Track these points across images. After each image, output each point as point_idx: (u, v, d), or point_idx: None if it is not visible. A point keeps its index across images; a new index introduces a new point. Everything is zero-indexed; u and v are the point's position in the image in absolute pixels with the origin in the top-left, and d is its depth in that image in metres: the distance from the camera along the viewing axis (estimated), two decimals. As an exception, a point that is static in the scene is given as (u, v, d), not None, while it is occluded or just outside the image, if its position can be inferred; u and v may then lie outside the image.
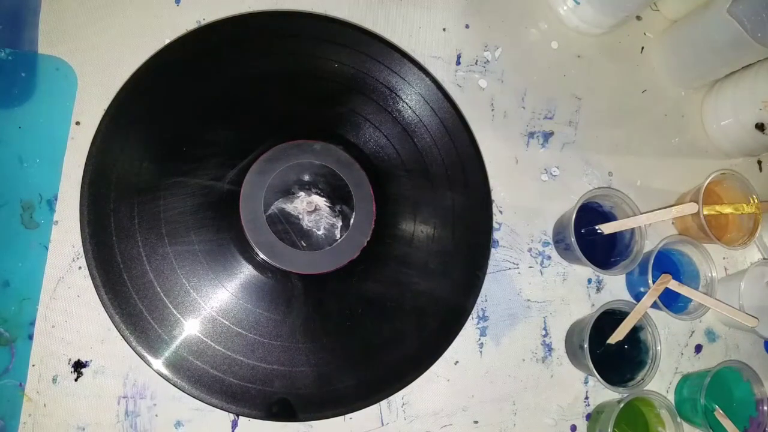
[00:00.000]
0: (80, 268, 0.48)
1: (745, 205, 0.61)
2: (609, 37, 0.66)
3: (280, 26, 0.52)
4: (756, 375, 0.59)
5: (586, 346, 0.54)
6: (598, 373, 0.53)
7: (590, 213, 0.59)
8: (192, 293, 0.46)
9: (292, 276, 0.48)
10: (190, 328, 0.46)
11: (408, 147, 0.53)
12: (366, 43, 0.53)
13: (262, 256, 0.48)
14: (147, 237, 0.46)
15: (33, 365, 0.46)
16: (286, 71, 0.52)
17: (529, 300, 0.59)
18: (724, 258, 0.66)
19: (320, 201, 0.50)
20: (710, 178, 0.58)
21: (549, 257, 0.60)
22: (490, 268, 0.56)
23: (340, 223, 0.50)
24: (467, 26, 0.61)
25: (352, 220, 0.50)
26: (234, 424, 0.50)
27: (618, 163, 0.64)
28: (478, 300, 0.55)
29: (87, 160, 0.46)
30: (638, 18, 0.67)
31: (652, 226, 0.62)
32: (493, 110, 0.61)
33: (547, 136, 0.62)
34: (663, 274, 0.56)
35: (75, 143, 0.49)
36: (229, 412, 0.47)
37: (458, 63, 0.60)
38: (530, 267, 0.59)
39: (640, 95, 0.66)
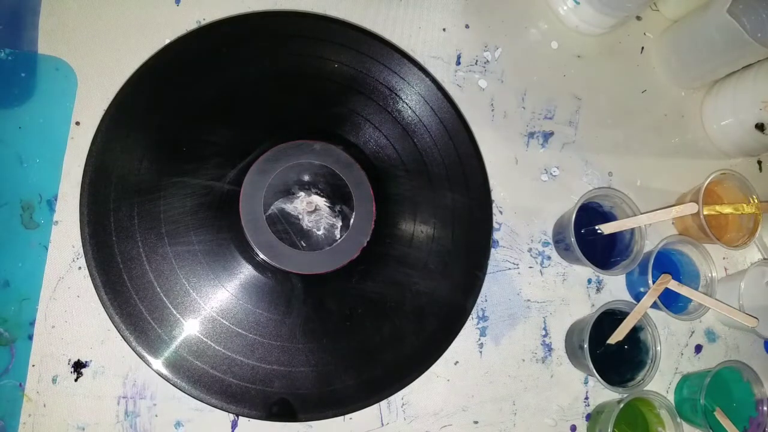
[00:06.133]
0: (80, 268, 0.48)
1: (745, 205, 0.61)
2: (609, 37, 0.66)
3: (280, 26, 0.52)
4: (756, 375, 0.59)
5: (586, 346, 0.54)
6: (598, 373, 0.53)
7: (590, 213, 0.59)
8: (192, 293, 0.46)
9: (292, 276, 0.48)
10: (190, 328, 0.46)
11: (408, 147, 0.53)
12: (366, 43, 0.53)
13: (262, 256, 0.48)
14: (147, 237, 0.46)
15: (33, 365, 0.46)
16: (286, 71, 0.52)
17: (529, 300, 0.59)
18: (724, 258, 0.66)
19: (320, 201, 0.50)
20: (710, 178, 0.58)
21: (549, 257, 0.60)
22: (490, 268, 0.56)
23: (340, 223, 0.50)
24: (467, 26, 0.61)
25: (352, 220, 0.50)
26: (234, 425, 0.50)
27: (618, 163, 0.64)
28: (478, 300, 0.55)
29: (87, 160, 0.46)
30: (638, 18, 0.67)
31: (652, 226, 0.62)
32: (493, 110, 0.61)
33: (547, 136, 0.62)
34: (663, 274, 0.56)
35: (75, 143, 0.49)
36: (228, 412, 0.47)
37: (458, 63, 0.60)
38: (530, 267, 0.59)
39: (640, 95, 0.66)
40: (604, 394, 0.59)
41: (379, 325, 0.50)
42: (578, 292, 0.60)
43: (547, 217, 0.61)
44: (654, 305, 0.56)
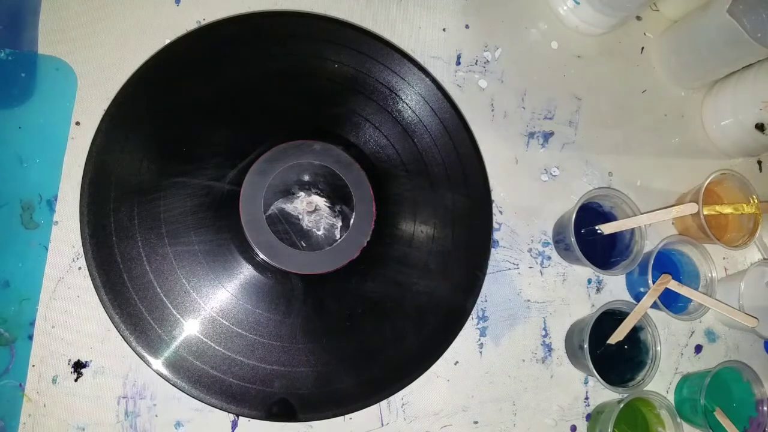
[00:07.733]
0: (80, 268, 0.48)
1: (745, 205, 0.61)
2: (609, 37, 0.66)
3: (280, 26, 0.52)
4: (756, 375, 0.59)
5: (586, 346, 0.54)
6: (598, 374, 0.53)
7: (590, 213, 0.59)
8: (192, 293, 0.46)
9: (292, 276, 0.48)
10: (190, 328, 0.46)
11: (408, 147, 0.53)
12: (366, 43, 0.53)
13: (262, 256, 0.48)
14: (147, 237, 0.46)
15: (33, 365, 0.46)
16: (286, 71, 0.52)
17: (529, 300, 0.59)
18: (724, 258, 0.66)
19: (320, 201, 0.50)
20: (710, 178, 0.58)
21: (549, 257, 0.60)
22: (490, 268, 0.56)
23: (339, 224, 0.50)
24: (467, 26, 0.61)
25: (351, 221, 0.50)
26: (234, 425, 0.50)
27: (618, 163, 0.64)
28: (478, 300, 0.55)
29: (87, 160, 0.46)
30: (638, 18, 0.67)
31: (652, 226, 0.62)
32: (493, 110, 0.61)
33: (547, 136, 0.62)
34: (663, 274, 0.56)
35: (75, 143, 0.49)
36: (229, 412, 0.47)
37: (458, 63, 0.60)
38: (530, 267, 0.59)
39: (640, 95, 0.66)
40: (604, 394, 0.59)
41: (379, 325, 0.50)
42: (578, 292, 0.60)
43: (547, 217, 0.61)
44: (654, 305, 0.56)
